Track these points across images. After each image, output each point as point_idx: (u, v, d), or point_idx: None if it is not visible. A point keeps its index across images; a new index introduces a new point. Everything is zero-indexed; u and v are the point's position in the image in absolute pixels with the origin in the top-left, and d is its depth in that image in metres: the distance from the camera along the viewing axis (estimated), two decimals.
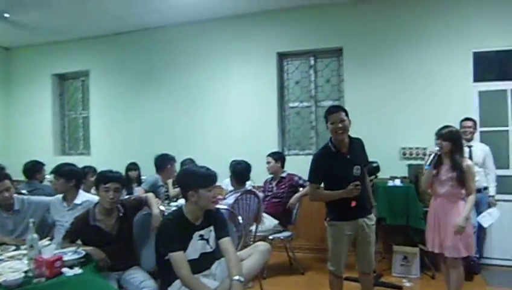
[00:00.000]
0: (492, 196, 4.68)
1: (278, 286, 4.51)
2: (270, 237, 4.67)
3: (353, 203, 3.16)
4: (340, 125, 3.14)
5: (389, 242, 4.91)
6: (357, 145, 3.31)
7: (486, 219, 4.49)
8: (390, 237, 4.94)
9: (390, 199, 4.73)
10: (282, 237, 4.77)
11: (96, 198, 3.19)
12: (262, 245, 2.93)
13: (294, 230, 5.03)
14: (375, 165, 4.48)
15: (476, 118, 5.07)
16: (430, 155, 3.48)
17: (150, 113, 6.59)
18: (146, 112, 6.62)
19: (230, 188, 4.49)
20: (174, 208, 3.41)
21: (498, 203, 4.74)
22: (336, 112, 3.19)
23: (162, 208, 3.46)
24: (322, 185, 3.30)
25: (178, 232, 2.66)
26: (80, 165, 3.97)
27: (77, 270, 2.36)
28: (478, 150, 4.69)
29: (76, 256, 2.57)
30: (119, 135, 6.77)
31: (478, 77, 5.20)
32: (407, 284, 4.42)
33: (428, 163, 3.44)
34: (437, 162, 3.47)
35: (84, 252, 2.64)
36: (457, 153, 3.42)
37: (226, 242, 2.78)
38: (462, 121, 4.72)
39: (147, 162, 5.11)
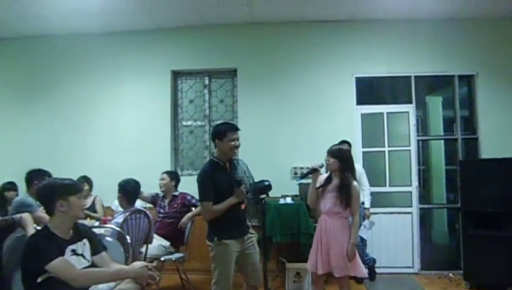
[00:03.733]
0: (367, 208, 5.14)
1: None
2: (162, 259, 4.46)
3: (243, 206, 3.21)
4: (238, 143, 3.20)
5: (282, 260, 5.00)
6: (234, 164, 3.37)
7: (363, 231, 4.94)
8: (283, 255, 5.04)
9: (281, 217, 4.85)
10: (174, 259, 4.59)
11: None
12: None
13: (187, 251, 4.88)
14: (266, 183, 4.43)
15: (359, 139, 5.54)
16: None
17: (35, 129, 5.98)
18: (30, 126, 6.00)
19: (120, 209, 4.23)
20: None
21: (377, 216, 5.23)
22: (237, 129, 3.24)
23: (39, 228, 3.09)
24: None
25: (49, 245, 2.36)
26: None
27: None
28: None
29: None
30: None
31: (360, 101, 5.68)
32: None
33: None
34: (327, 180, 3.55)
35: None
36: (346, 172, 3.49)
37: (104, 256, 2.61)
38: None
39: None
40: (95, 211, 5.13)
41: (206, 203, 3.16)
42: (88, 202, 5.09)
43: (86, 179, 5.22)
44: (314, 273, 3.55)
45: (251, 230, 3.37)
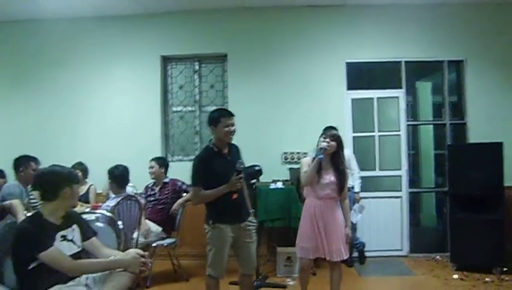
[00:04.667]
0: (357, 192, 5.19)
1: None
2: (154, 245, 4.49)
3: (234, 196, 3.19)
4: (233, 128, 3.22)
5: (273, 244, 5.05)
6: (235, 149, 3.40)
7: (353, 215, 4.94)
8: (274, 240, 5.09)
9: (272, 201, 4.89)
10: (165, 244, 4.62)
11: None
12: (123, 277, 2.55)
13: (178, 236, 4.90)
14: (257, 168, 4.41)
15: (349, 123, 5.58)
16: (320, 148, 3.45)
17: (23, 115, 5.89)
18: (18, 113, 5.91)
19: (112, 195, 4.22)
20: None
21: (367, 200, 5.31)
22: (231, 115, 3.26)
23: (29, 214, 3.08)
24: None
25: (41, 233, 2.39)
26: None
27: None
28: None
29: None
30: None
31: (351, 86, 5.69)
32: (291, 283, 4.59)
33: (320, 154, 3.40)
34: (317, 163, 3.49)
35: None
36: (339, 157, 3.52)
37: (95, 242, 2.65)
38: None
39: None
40: (87, 200, 5.05)
41: (196, 188, 3.23)
42: (83, 189, 5.01)
43: (80, 165, 5.07)
44: (304, 258, 3.53)
45: (251, 218, 3.40)
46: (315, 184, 3.48)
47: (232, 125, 3.23)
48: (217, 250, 3.21)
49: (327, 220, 3.44)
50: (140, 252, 2.54)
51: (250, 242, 3.33)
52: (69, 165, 4.70)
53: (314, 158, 3.48)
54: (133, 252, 2.56)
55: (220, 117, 3.21)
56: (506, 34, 5.55)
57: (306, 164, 3.56)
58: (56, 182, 2.52)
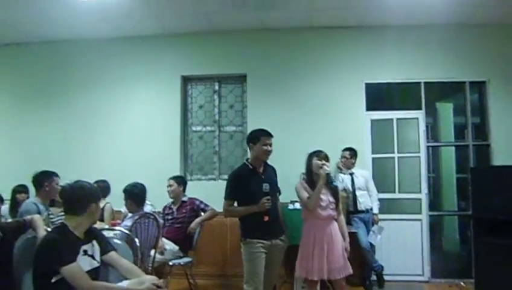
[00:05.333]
0: (376, 214, 5.16)
1: None
2: (170, 263, 4.47)
3: (266, 218, 3.29)
4: (270, 148, 3.41)
5: (290, 265, 4.96)
6: (271, 170, 3.58)
7: (372, 237, 4.97)
8: (292, 261, 4.99)
9: (291, 222, 4.81)
10: (182, 263, 4.59)
11: None
12: None
13: (195, 256, 4.88)
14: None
15: (368, 144, 5.53)
16: (329, 174, 3.55)
17: (45, 133, 6.02)
18: (38, 131, 6.04)
19: (130, 214, 4.24)
20: None
21: (386, 223, 5.21)
22: (271, 135, 3.45)
23: (56, 226, 3.11)
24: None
25: (66, 246, 2.41)
26: None
27: None
28: (359, 176, 5.23)
29: None
30: (5, 156, 6.05)
31: (370, 106, 5.67)
32: None
33: (334, 180, 3.68)
34: (313, 185, 3.57)
35: None
36: (329, 176, 3.59)
37: (114, 255, 2.67)
38: (343, 150, 5.15)
39: None
40: (102, 218, 5.04)
41: (226, 202, 3.43)
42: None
43: (102, 183, 5.05)
44: (308, 279, 3.57)
45: (283, 236, 3.51)
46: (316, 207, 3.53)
47: (270, 145, 3.42)
48: (252, 265, 3.29)
49: (330, 240, 3.50)
50: (156, 281, 2.50)
51: (277, 263, 3.45)
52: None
53: (331, 183, 3.59)
54: (148, 281, 2.51)
55: (261, 136, 3.41)
56: None
57: (303, 189, 3.60)
58: (85, 197, 2.58)
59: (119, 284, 2.54)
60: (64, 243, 2.41)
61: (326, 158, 3.61)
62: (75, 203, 2.57)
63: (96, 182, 5.00)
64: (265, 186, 3.33)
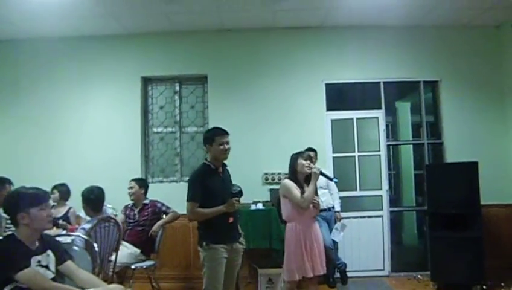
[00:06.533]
0: (338, 211, 5.25)
1: None
2: (133, 267, 4.40)
3: (231, 219, 3.25)
4: (227, 146, 3.30)
5: (254, 266, 5.00)
6: (226, 170, 3.47)
7: (335, 234, 5.04)
8: (255, 261, 5.03)
9: (253, 223, 4.85)
10: (145, 266, 4.52)
11: None
12: None
13: (158, 259, 4.82)
14: (237, 189, 4.49)
15: (329, 144, 5.63)
16: (320, 173, 3.63)
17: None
18: None
19: (88, 218, 4.14)
20: None
21: (348, 220, 5.33)
22: (226, 134, 3.33)
23: (5, 235, 3.00)
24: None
25: (17, 254, 2.32)
26: None
27: None
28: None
29: None
30: None
31: (330, 106, 5.77)
32: None
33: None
34: (299, 185, 3.64)
35: None
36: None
37: (70, 265, 2.56)
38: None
39: None
40: (69, 222, 4.91)
41: (191, 204, 3.24)
42: (61, 211, 4.90)
43: (61, 186, 4.98)
44: (292, 282, 3.60)
45: (241, 239, 3.43)
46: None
47: (227, 143, 3.31)
48: (213, 272, 3.21)
49: (313, 238, 3.57)
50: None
51: (236, 265, 3.37)
52: (50, 186, 4.74)
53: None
54: (114, 288, 2.47)
55: (215, 136, 3.30)
56: (479, 55, 5.73)
57: (295, 188, 3.62)
58: (12, 208, 2.44)
59: None
60: (13, 251, 2.33)
61: (309, 158, 3.71)
62: (9, 214, 2.48)
63: (55, 186, 4.89)
64: (235, 187, 3.28)
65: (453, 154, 5.54)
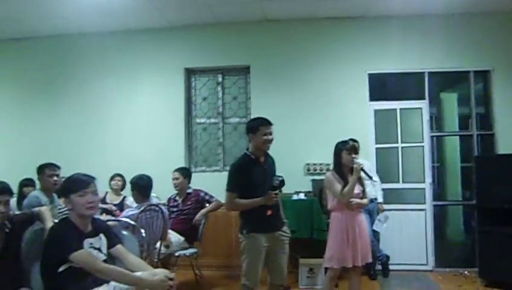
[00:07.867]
0: (381, 203, 5.19)
1: None
2: (176, 254, 4.51)
3: (269, 212, 3.21)
4: (271, 137, 3.27)
5: (295, 255, 5.00)
6: (271, 159, 3.44)
7: (378, 226, 4.99)
8: (296, 251, 5.03)
9: (296, 213, 4.85)
10: (188, 254, 4.62)
11: None
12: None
13: (201, 247, 4.91)
14: (280, 179, 4.50)
15: (372, 135, 5.54)
16: (362, 169, 3.62)
17: (49, 126, 6.06)
18: (45, 124, 6.09)
19: (135, 205, 4.28)
20: None
21: (390, 213, 5.23)
22: (270, 124, 3.30)
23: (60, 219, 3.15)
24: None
25: (72, 237, 2.43)
26: None
27: None
28: None
29: None
30: (13, 148, 6.09)
31: (373, 97, 5.66)
32: None
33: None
34: (343, 177, 3.62)
35: None
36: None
37: (120, 249, 2.65)
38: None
39: None
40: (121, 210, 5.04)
41: (229, 194, 3.25)
42: (118, 199, 5.21)
43: (120, 176, 5.35)
44: (334, 269, 3.63)
45: (285, 228, 3.41)
46: None
47: (271, 134, 3.27)
48: (252, 259, 3.22)
49: (359, 228, 3.59)
50: (169, 274, 2.46)
51: (282, 253, 3.34)
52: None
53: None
54: (161, 274, 2.47)
55: (259, 126, 3.26)
56: None
57: (336, 181, 3.63)
58: (60, 193, 2.59)
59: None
60: (69, 233, 2.44)
61: (353, 149, 3.67)
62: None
63: (113, 175, 5.24)
64: (276, 180, 3.22)
65: (504, 146, 5.31)
